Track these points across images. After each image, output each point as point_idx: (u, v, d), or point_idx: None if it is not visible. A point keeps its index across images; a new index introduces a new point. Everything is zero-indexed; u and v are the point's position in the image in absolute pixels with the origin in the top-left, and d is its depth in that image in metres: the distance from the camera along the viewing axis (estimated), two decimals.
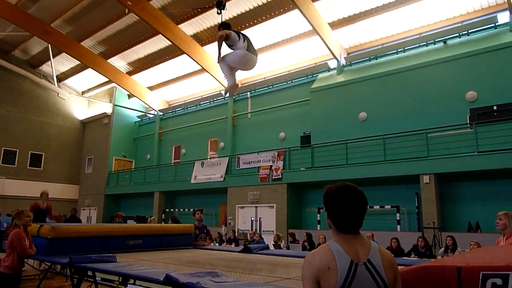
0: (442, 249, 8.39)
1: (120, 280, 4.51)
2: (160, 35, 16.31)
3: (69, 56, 19.57)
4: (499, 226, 4.11)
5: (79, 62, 20.07)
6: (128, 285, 3.41)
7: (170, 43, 16.70)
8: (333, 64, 14.82)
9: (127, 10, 15.25)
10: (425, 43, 12.81)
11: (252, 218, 14.03)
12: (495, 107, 10.13)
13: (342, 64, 14.45)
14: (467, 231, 9.89)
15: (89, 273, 4.28)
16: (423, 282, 2.00)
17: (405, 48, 13.20)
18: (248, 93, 17.44)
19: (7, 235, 4.64)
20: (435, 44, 12.61)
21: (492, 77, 10.74)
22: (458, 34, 12.22)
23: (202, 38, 16.75)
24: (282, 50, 15.85)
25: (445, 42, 12.40)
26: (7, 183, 19.69)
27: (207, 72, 17.25)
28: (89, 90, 23.84)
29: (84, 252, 4.70)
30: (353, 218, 1.68)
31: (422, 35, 13.07)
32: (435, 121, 11.11)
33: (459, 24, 12.36)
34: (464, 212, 10.37)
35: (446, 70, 11.62)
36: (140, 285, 3.64)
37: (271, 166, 13.83)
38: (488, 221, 9.79)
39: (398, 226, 10.99)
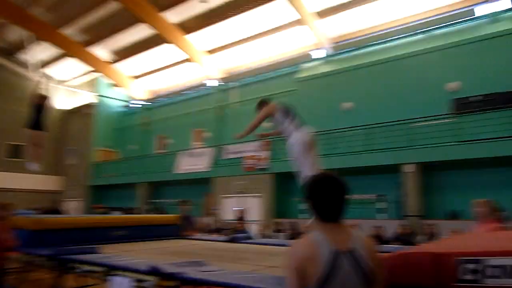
0: (423, 236, 8.60)
1: (105, 271, 4.48)
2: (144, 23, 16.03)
3: (49, 44, 19.06)
4: (477, 213, 4.26)
5: (60, 50, 19.58)
6: (114, 275, 3.42)
7: (154, 31, 16.42)
8: (319, 54, 14.82)
9: None
10: (410, 33, 12.91)
11: (238, 208, 14.07)
12: (477, 97, 10.29)
13: (327, 54, 14.47)
14: (448, 219, 10.13)
15: (72, 265, 4.24)
16: (402, 269, 2.06)
17: (391, 38, 13.28)
18: (235, 82, 17.34)
19: None
20: (420, 34, 12.71)
21: (475, 68, 10.92)
22: (442, 25, 12.35)
23: (187, 27, 16.52)
24: (268, 39, 15.76)
25: (429, 32, 12.53)
26: None
27: (193, 61, 17.06)
28: (71, 79, 23.32)
29: (68, 244, 4.66)
30: (335, 207, 1.70)
31: (407, 25, 13.16)
32: (419, 111, 11.24)
33: (445, 15, 12.47)
34: (447, 201, 10.57)
35: (430, 60, 11.76)
36: (125, 276, 3.63)
37: (256, 156, 13.86)
38: (470, 209, 10.03)
39: (381, 215, 11.20)
